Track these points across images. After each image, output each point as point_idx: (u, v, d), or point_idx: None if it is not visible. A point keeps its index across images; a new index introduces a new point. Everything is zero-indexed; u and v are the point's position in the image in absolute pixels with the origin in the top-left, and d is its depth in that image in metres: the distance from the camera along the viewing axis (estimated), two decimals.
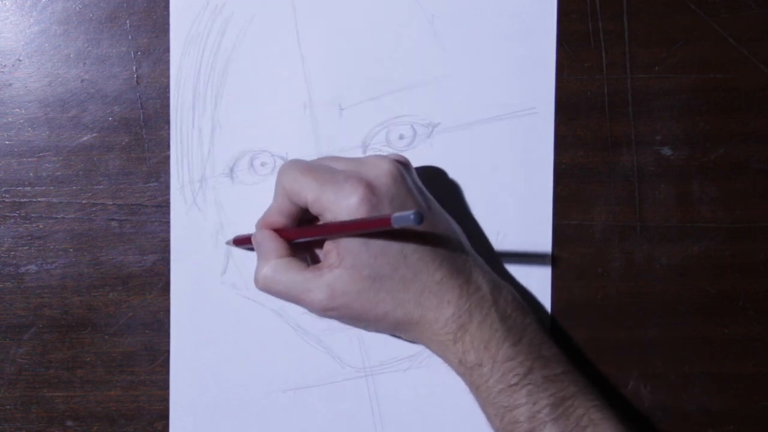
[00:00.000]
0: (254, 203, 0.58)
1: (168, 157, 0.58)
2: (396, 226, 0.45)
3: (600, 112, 0.58)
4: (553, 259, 0.59)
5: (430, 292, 0.51)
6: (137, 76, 0.59)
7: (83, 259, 0.59)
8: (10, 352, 0.59)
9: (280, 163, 0.58)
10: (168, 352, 0.59)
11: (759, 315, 0.59)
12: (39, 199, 0.59)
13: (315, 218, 0.53)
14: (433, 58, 0.58)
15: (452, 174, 0.58)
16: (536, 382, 0.50)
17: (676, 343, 0.59)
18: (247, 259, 0.58)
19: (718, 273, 0.59)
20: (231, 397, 0.59)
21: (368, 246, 0.50)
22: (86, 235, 0.59)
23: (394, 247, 0.50)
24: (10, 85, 0.58)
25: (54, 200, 0.59)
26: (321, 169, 0.51)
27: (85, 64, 0.58)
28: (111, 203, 0.59)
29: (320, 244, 0.54)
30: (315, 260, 0.55)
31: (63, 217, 0.59)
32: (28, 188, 0.59)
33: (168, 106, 0.58)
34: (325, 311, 0.52)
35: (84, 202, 0.59)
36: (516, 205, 0.58)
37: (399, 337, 0.56)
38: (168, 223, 0.58)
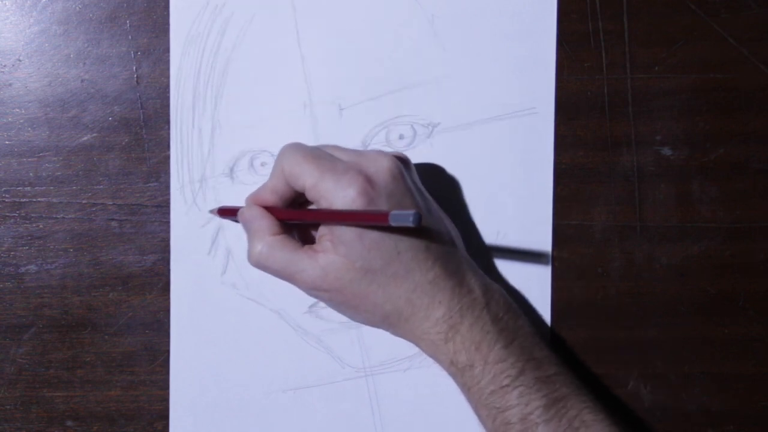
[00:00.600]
0: None
1: (168, 157, 0.58)
2: (393, 224, 0.45)
3: (600, 112, 0.58)
4: (553, 259, 0.59)
5: (422, 291, 0.51)
6: (137, 76, 0.59)
7: (83, 259, 0.59)
8: (10, 352, 0.59)
9: None
10: (168, 352, 0.59)
11: (759, 315, 0.59)
12: (39, 199, 0.59)
13: (306, 202, 0.53)
14: (433, 58, 0.58)
15: (452, 174, 0.58)
16: (528, 383, 0.50)
17: (676, 343, 0.59)
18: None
19: (718, 273, 0.59)
20: (231, 397, 0.59)
21: (362, 238, 0.50)
22: (86, 235, 0.59)
23: (388, 242, 0.50)
24: (10, 85, 0.58)
25: (54, 200, 0.59)
26: (322, 157, 0.51)
27: (85, 64, 0.58)
28: (111, 203, 0.59)
29: (311, 226, 0.54)
30: (304, 241, 0.54)
31: (63, 217, 0.59)
32: (28, 188, 0.59)
33: (168, 106, 0.58)
34: (317, 290, 0.52)
35: (84, 202, 0.59)
36: (516, 205, 0.58)
37: (388, 332, 0.56)
38: (168, 223, 0.58)
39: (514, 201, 0.58)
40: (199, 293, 0.59)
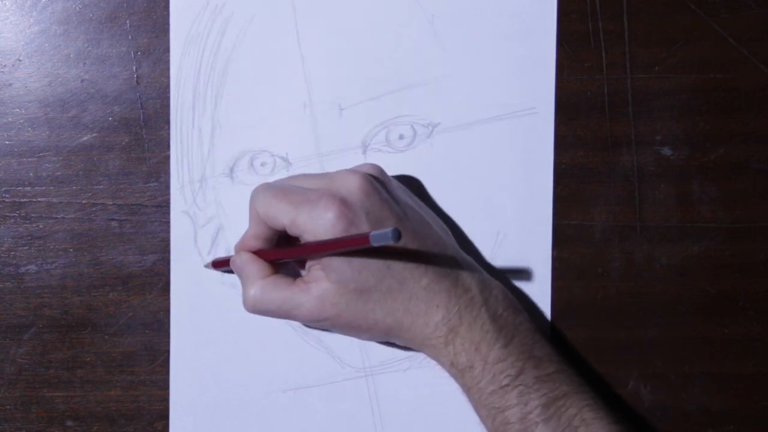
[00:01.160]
0: None
1: (168, 157, 0.58)
2: (375, 244, 0.45)
3: (600, 112, 0.58)
4: (553, 259, 0.59)
5: (418, 299, 0.51)
6: (137, 76, 0.58)
7: (83, 259, 0.59)
8: (10, 352, 0.59)
9: (280, 163, 0.58)
10: (168, 352, 0.59)
11: (759, 315, 0.59)
12: (39, 199, 0.59)
13: (293, 237, 0.53)
14: (433, 58, 0.58)
15: (452, 174, 0.58)
16: (527, 382, 0.50)
17: (676, 343, 0.59)
18: None
19: (718, 273, 0.59)
20: (231, 397, 0.59)
21: (350, 261, 0.50)
22: (86, 235, 0.59)
23: (376, 259, 0.51)
24: (10, 85, 0.58)
25: (54, 200, 0.59)
26: (293, 191, 0.52)
27: (85, 64, 0.58)
28: (111, 203, 0.59)
29: (302, 260, 0.54)
30: (297, 273, 0.55)
31: (63, 217, 0.59)
32: (28, 188, 0.59)
33: (168, 106, 0.58)
34: (316, 321, 0.52)
35: (84, 202, 0.59)
36: (516, 205, 0.58)
37: (393, 344, 0.56)
38: (168, 223, 0.58)
39: (513, 201, 0.58)
40: (199, 293, 0.59)
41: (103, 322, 0.59)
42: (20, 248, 0.59)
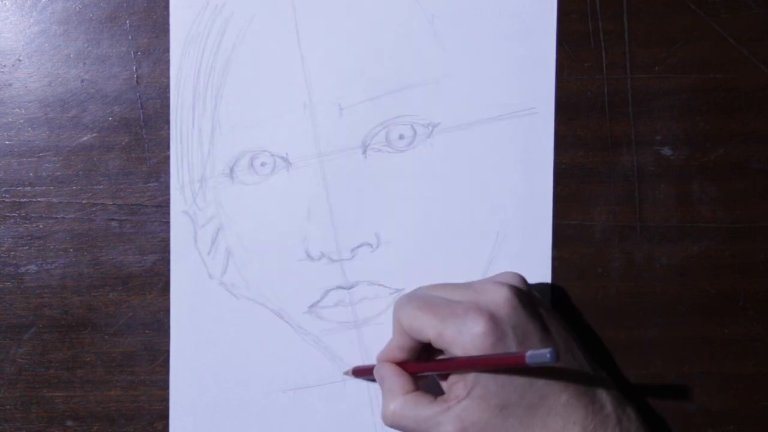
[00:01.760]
0: (254, 203, 0.58)
1: (168, 157, 0.58)
2: (531, 364, 0.45)
3: (600, 112, 0.58)
4: (553, 259, 0.59)
5: (557, 414, 0.51)
6: (137, 76, 0.59)
7: (83, 259, 0.59)
8: (10, 352, 0.59)
9: (280, 163, 0.58)
10: (168, 352, 0.59)
11: (759, 315, 0.59)
12: (39, 199, 0.59)
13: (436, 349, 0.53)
14: (433, 58, 0.58)
15: (452, 174, 0.58)
16: None
17: (676, 343, 0.59)
18: (247, 259, 0.58)
19: (718, 273, 0.59)
20: (231, 397, 0.59)
21: (496, 377, 0.50)
22: (86, 235, 0.59)
23: (521, 376, 0.50)
24: (10, 85, 0.58)
25: (54, 200, 0.59)
26: (438, 304, 0.52)
27: (85, 64, 0.58)
28: (111, 203, 0.59)
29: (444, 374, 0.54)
30: (436, 383, 0.54)
31: (63, 217, 0.59)
32: (28, 188, 0.59)
33: (168, 106, 0.58)
34: None
35: (84, 202, 0.59)
36: (516, 205, 0.58)
37: None
38: (168, 223, 0.58)
39: (513, 201, 0.58)
40: (199, 293, 0.59)
41: (103, 322, 0.59)
42: (20, 248, 0.59)
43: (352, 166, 0.58)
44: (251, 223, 0.58)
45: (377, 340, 0.58)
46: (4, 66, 0.58)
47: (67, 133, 0.59)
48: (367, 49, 0.58)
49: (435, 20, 0.58)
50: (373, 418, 0.59)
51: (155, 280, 0.59)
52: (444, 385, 0.53)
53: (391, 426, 0.53)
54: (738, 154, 0.59)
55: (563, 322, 0.55)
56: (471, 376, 0.50)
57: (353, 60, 0.58)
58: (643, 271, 0.59)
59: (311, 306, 0.58)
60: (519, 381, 0.50)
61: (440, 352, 0.53)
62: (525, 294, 0.53)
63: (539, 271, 0.59)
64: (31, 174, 0.59)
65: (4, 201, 0.59)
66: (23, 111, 0.58)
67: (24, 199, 0.59)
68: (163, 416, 0.59)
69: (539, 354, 0.44)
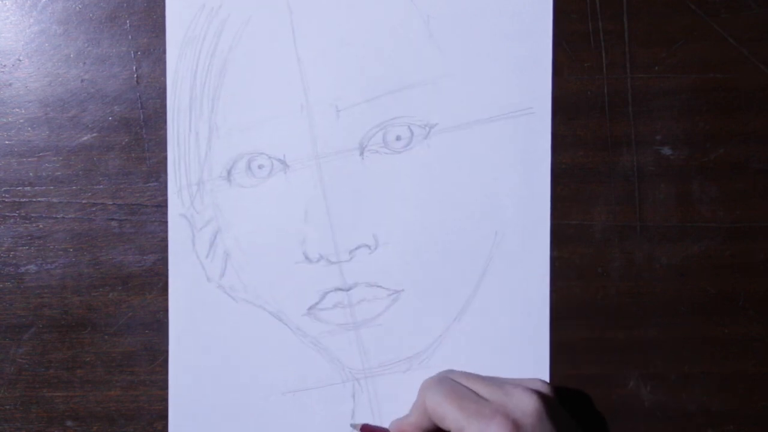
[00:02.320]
0: (252, 206, 0.58)
1: (167, 157, 0.58)
2: None
3: (600, 112, 0.58)
4: (552, 259, 0.59)
5: None
6: (137, 76, 0.59)
7: (83, 259, 0.59)
8: (10, 352, 0.59)
9: (277, 165, 0.58)
10: (167, 352, 0.59)
11: (759, 315, 0.59)
12: (39, 199, 0.59)
13: None
14: (430, 59, 0.58)
15: (450, 174, 0.58)
16: None
17: (676, 343, 0.59)
18: (245, 262, 0.58)
19: (718, 273, 0.59)
20: (230, 400, 0.59)
21: None
22: (86, 235, 0.59)
23: None
24: (10, 85, 0.59)
25: (54, 200, 0.59)
26: (466, 398, 0.52)
27: (85, 64, 0.58)
28: (111, 203, 0.59)
29: None
30: None
31: (63, 217, 0.59)
32: (28, 188, 0.59)
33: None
34: None
35: (84, 202, 0.59)
36: (514, 205, 0.58)
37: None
38: (168, 223, 0.59)
39: (512, 201, 0.58)
40: (198, 296, 0.59)
41: (103, 322, 0.59)
42: (20, 248, 0.59)
43: (350, 168, 0.58)
44: (249, 225, 0.58)
45: (376, 341, 0.58)
46: (4, 66, 0.59)
47: (67, 133, 0.59)
48: (364, 51, 0.58)
49: (431, 21, 0.58)
50: (372, 420, 0.59)
51: (155, 280, 0.59)
52: None
53: None
54: (738, 154, 0.58)
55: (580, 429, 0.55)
56: None
57: (350, 61, 0.58)
58: (643, 271, 0.59)
59: (310, 308, 0.58)
60: None
61: None
62: (553, 406, 0.53)
63: (538, 270, 0.59)
64: (31, 174, 0.59)
65: (4, 201, 0.59)
66: (23, 111, 0.59)
67: (24, 199, 0.59)
68: (163, 416, 0.59)
69: None
